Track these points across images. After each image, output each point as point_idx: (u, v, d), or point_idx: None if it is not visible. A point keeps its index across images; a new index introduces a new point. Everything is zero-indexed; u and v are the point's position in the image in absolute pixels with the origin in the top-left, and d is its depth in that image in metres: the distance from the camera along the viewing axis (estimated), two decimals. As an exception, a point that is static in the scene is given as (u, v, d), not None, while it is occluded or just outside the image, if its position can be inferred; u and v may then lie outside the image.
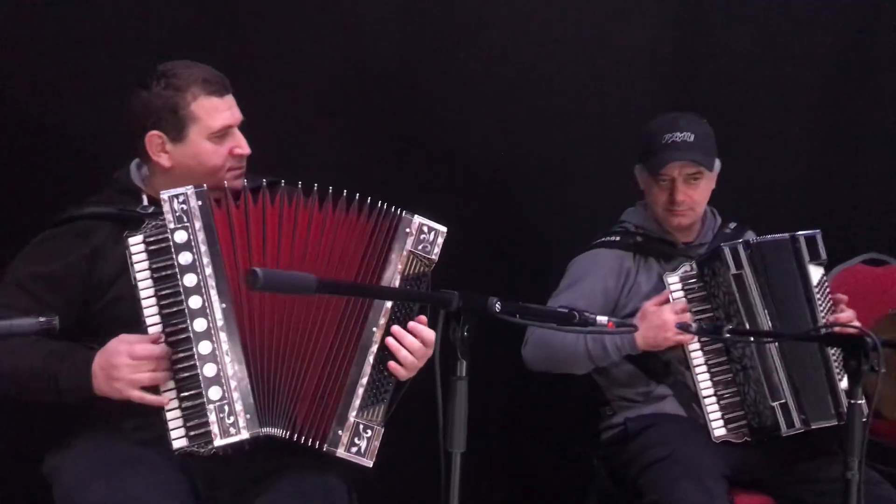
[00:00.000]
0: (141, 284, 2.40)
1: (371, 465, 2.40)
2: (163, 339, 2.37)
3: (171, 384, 2.37)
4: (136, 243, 2.41)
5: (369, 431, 2.41)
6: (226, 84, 2.58)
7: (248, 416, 2.37)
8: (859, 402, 2.34)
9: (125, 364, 2.35)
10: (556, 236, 3.61)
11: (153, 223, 2.44)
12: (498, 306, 1.98)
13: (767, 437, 2.94)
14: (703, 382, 2.98)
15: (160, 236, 2.42)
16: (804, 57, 3.82)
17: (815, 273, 3.00)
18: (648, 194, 3.13)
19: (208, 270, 2.41)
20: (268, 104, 3.29)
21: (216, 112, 2.54)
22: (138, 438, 2.44)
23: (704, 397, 2.97)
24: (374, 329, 2.44)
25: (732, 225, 3.22)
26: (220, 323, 2.39)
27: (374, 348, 2.44)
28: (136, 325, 2.39)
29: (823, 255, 3.02)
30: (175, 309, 2.39)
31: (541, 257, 3.57)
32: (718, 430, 2.96)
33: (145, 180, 2.62)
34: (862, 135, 3.89)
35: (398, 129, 3.54)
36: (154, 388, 2.38)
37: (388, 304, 2.45)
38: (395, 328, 2.44)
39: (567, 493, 3.39)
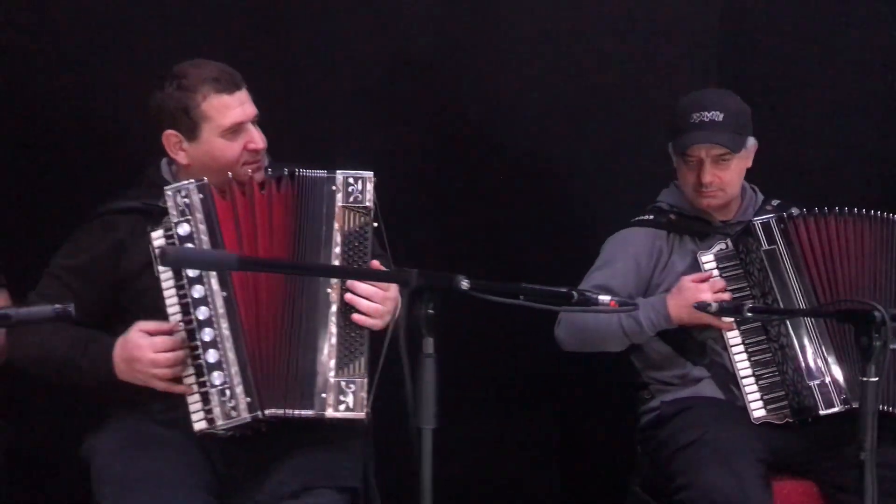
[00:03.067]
0: (163, 276, 2.50)
1: (365, 416, 2.44)
2: (181, 328, 2.46)
3: (191, 370, 2.46)
4: (157, 237, 2.52)
5: (352, 385, 2.45)
6: (236, 80, 2.63)
7: (248, 399, 2.44)
8: (873, 379, 2.23)
9: (147, 359, 2.45)
10: (596, 220, 3.52)
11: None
12: (465, 284, 1.97)
13: (810, 418, 2.82)
14: (741, 363, 2.89)
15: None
16: (860, 27, 3.65)
17: None
18: (680, 174, 3.05)
19: None
20: (305, 94, 3.37)
21: (227, 110, 2.59)
22: (164, 419, 2.54)
23: (742, 378, 2.88)
24: (329, 290, 2.50)
25: (775, 202, 3.11)
26: (221, 310, 2.46)
27: (333, 308, 2.49)
28: (162, 315, 2.50)
29: None
30: (187, 300, 2.47)
31: (581, 241, 3.48)
32: (758, 411, 2.86)
33: (175, 176, 2.70)
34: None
35: (436, 117, 3.54)
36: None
37: (335, 262, 2.51)
38: (349, 282, 2.49)
39: (612, 479, 3.33)
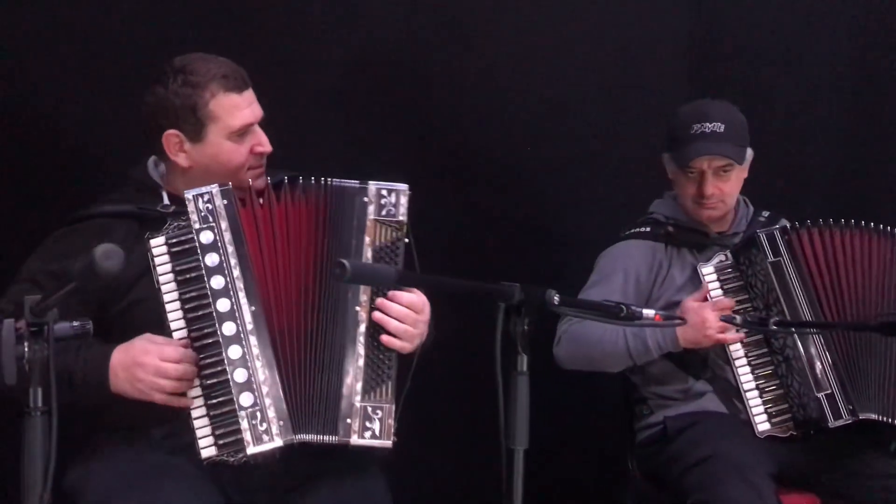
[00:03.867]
0: (164, 287, 2.30)
1: (391, 445, 2.31)
2: (189, 344, 2.28)
3: (198, 391, 2.27)
4: (158, 245, 2.32)
5: (379, 412, 2.31)
6: (245, 78, 2.48)
7: (281, 422, 2.27)
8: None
9: (153, 365, 2.25)
10: (571, 228, 3.54)
11: (175, 223, 2.35)
12: (556, 299, 1.89)
13: (814, 431, 2.82)
14: (745, 376, 2.86)
15: (183, 237, 2.32)
16: (830, 36, 3.69)
17: None
18: (677, 185, 3.02)
19: (236, 272, 2.32)
20: (274, 97, 3.20)
21: (236, 110, 2.43)
22: (167, 447, 2.34)
23: (746, 391, 2.86)
24: (358, 308, 2.35)
25: (766, 213, 3.11)
26: (249, 326, 2.29)
27: (362, 328, 2.34)
28: (156, 328, 2.30)
29: None
30: (201, 312, 2.29)
31: (556, 249, 3.49)
32: (762, 424, 2.84)
33: (163, 178, 2.51)
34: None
35: (410, 121, 3.45)
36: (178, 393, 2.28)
37: None
38: (379, 300, 2.34)
39: (600, 497, 3.27)
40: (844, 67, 3.70)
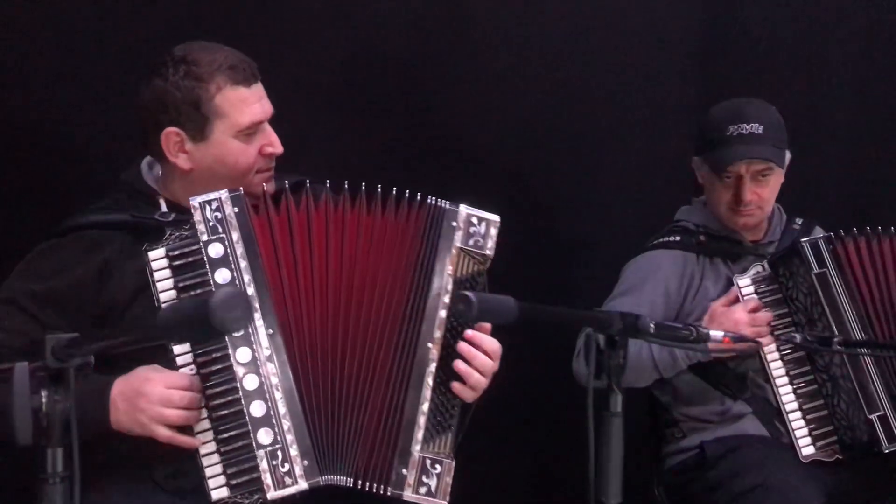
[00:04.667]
0: (166, 306, 2.01)
1: None
2: (196, 371, 2.00)
3: (207, 423, 2.00)
4: (157, 258, 2.05)
5: (438, 466, 2.04)
6: (254, 70, 2.20)
7: (305, 462, 2.00)
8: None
9: (158, 394, 1.98)
10: (576, 234, 3.35)
11: (176, 233, 2.07)
12: (652, 327, 1.64)
13: (863, 455, 2.63)
14: (786, 395, 2.66)
15: (187, 248, 2.05)
16: (842, 38, 3.53)
17: None
18: (710, 191, 2.80)
19: (251, 290, 2.05)
20: (271, 98, 2.97)
21: (245, 105, 2.16)
22: (172, 487, 2.07)
23: (789, 412, 2.65)
24: (430, 345, 2.08)
25: (799, 220, 2.91)
26: (266, 352, 2.02)
27: (432, 367, 2.07)
28: (158, 354, 2.01)
29: None
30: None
31: (561, 257, 3.30)
32: (807, 448, 2.64)
33: (158, 182, 2.24)
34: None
35: (410, 124, 3.22)
36: (183, 428, 2.01)
37: (443, 313, 2.09)
38: (463, 346, 2.08)
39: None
40: (854, 66, 3.54)
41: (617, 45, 3.38)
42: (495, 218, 2.16)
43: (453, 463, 2.06)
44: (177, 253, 2.05)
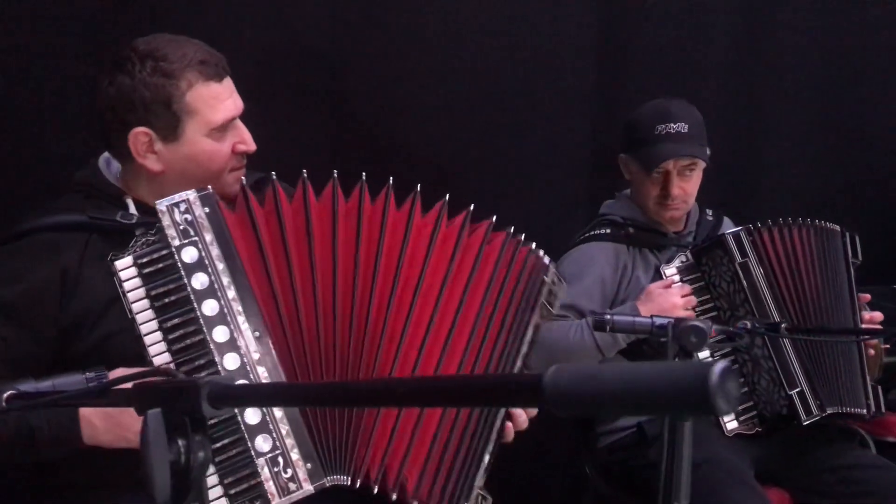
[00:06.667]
0: (140, 317, 1.89)
1: None
2: None
3: None
4: (125, 267, 1.90)
5: (486, 502, 2.06)
6: (224, 64, 2.12)
7: (308, 465, 1.94)
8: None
9: None
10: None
11: (143, 238, 1.94)
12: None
13: (781, 427, 2.87)
14: (711, 376, 2.87)
15: (156, 255, 1.92)
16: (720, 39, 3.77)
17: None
18: (639, 186, 2.98)
19: (231, 293, 1.94)
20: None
21: (217, 102, 2.08)
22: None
23: (714, 391, 2.86)
24: None
25: (710, 211, 3.13)
26: (255, 356, 1.93)
27: (502, 412, 2.07)
28: (138, 365, 1.86)
29: (859, 255, 2.98)
30: (189, 342, 1.90)
31: None
32: (730, 423, 2.85)
33: (119, 181, 2.14)
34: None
35: (331, 115, 3.23)
36: None
37: (520, 363, 2.09)
38: None
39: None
40: (731, 62, 3.80)
41: (526, 39, 3.50)
42: (565, 284, 2.20)
43: (490, 500, 2.08)
44: (145, 260, 1.91)
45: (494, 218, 2.12)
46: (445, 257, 2.07)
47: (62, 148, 2.40)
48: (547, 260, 2.17)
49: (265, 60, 3.12)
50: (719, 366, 0.87)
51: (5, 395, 1.48)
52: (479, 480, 2.03)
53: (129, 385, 1.31)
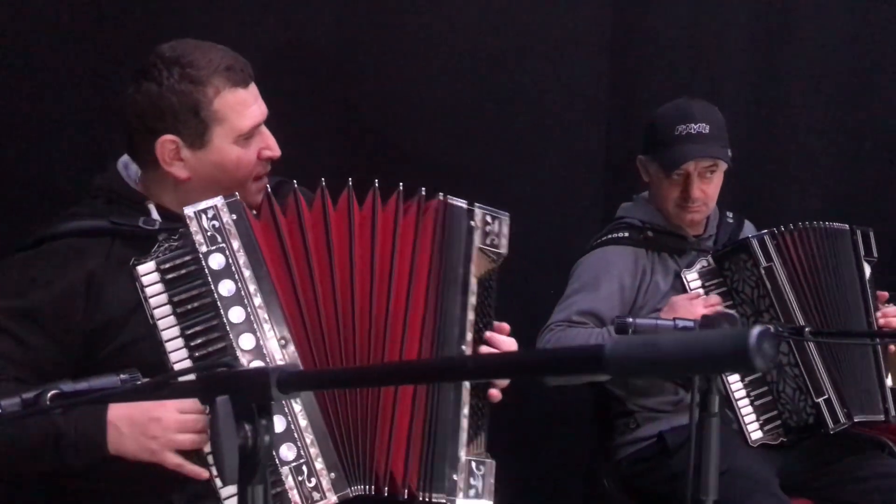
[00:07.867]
0: (161, 323, 1.91)
1: None
2: None
3: None
4: (147, 272, 1.92)
5: (482, 468, 2.03)
6: (249, 70, 2.10)
7: (332, 475, 1.93)
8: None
9: (172, 419, 1.88)
10: None
11: (165, 244, 1.94)
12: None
13: (807, 437, 2.79)
14: (735, 384, 2.78)
15: (179, 260, 1.93)
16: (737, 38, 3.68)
17: (866, 270, 2.87)
18: (658, 188, 2.89)
19: (257, 300, 1.95)
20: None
21: (244, 108, 2.06)
22: None
23: (737, 399, 2.77)
24: (464, 348, 2.05)
25: (730, 214, 3.05)
26: (280, 363, 1.92)
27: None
28: (158, 373, 1.84)
29: (874, 252, 2.88)
30: (212, 349, 1.90)
31: None
32: (755, 433, 2.77)
33: (139, 182, 2.11)
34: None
35: (337, 115, 3.16)
36: (190, 453, 1.90)
37: (471, 316, 2.07)
38: (489, 334, 2.08)
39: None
40: (747, 64, 3.71)
41: (535, 43, 3.42)
42: (505, 215, 2.15)
43: (494, 462, 2.04)
44: (168, 265, 1.92)
45: (423, 190, 2.09)
46: (388, 242, 2.06)
47: (68, 154, 2.39)
48: (463, 203, 2.12)
49: (273, 63, 3.04)
50: (757, 328, 0.99)
51: (49, 395, 1.51)
52: (463, 449, 2.01)
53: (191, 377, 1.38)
